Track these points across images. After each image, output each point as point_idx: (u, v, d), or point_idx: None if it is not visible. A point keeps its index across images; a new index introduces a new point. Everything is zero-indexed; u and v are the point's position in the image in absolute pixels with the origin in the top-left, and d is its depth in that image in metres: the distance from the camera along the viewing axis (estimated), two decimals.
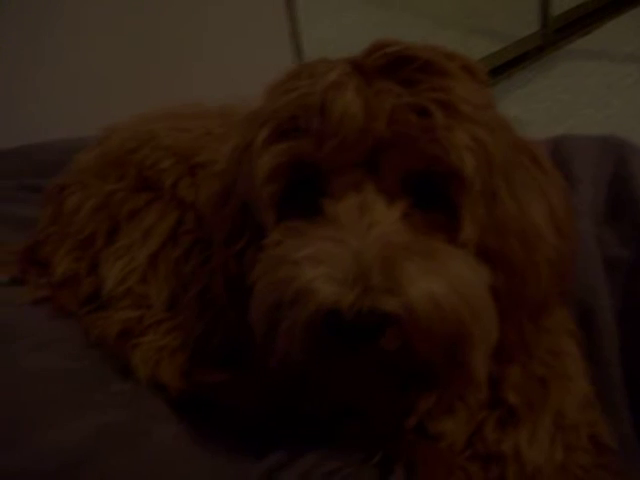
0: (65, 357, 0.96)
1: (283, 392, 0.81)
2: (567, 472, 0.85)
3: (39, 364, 0.93)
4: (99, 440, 0.84)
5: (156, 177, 1.03)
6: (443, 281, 0.66)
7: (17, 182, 1.35)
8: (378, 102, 0.70)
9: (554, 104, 2.58)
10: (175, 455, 0.84)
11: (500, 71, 2.77)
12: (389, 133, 0.70)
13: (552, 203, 0.78)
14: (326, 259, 0.65)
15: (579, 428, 0.87)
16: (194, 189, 1.00)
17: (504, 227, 0.74)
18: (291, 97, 0.73)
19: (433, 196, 0.73)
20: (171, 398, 0.92)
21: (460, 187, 0.71)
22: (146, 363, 0.93)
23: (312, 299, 0.64)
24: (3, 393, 0.88)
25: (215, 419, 0.88)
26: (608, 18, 3.12)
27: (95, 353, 0.98)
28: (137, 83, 1.89)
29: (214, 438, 0.87)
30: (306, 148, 0.72)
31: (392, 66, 0.72)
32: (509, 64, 2.83)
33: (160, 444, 0.85)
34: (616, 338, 1.00)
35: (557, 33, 3.02)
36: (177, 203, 1.00)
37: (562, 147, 1.26)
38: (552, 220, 0.78)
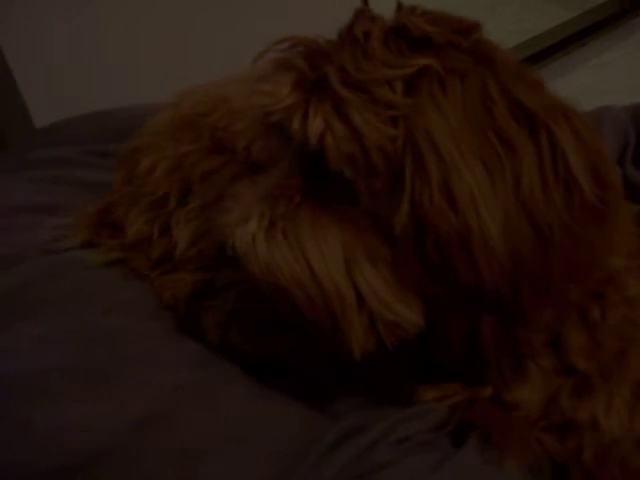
0: (138, 318, 0.96)
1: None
2: None
3: (114, 324, 0.94)
4: (175, 398, 0.84)
5: (230, 139, 1.03)
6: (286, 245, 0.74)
7: (86, 148, 1.36)
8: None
9: (630, 74, 2.51)
10: (249, 416, 0.84)
11: (575, 39, 2.69)
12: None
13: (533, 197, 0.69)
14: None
15: None
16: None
17: (424, 209, 0.69)
18: None
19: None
20: (241, 361, 0.92)
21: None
22: (217, 326, 0.93)
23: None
24: (81, 348, 0.89)
25: (286, 382, 0.88)
26: None
27: (167, 315, 0.98)
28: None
29: (286, 402, 0.86)
30: None
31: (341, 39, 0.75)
32: (584, 32, 2.75)
33: (235, 404, 0.85)
34: None
35: (635, 0, 2.92)
36: (250, 165, 0.99)
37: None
38: (524, 209, 0.69)
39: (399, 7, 0.78)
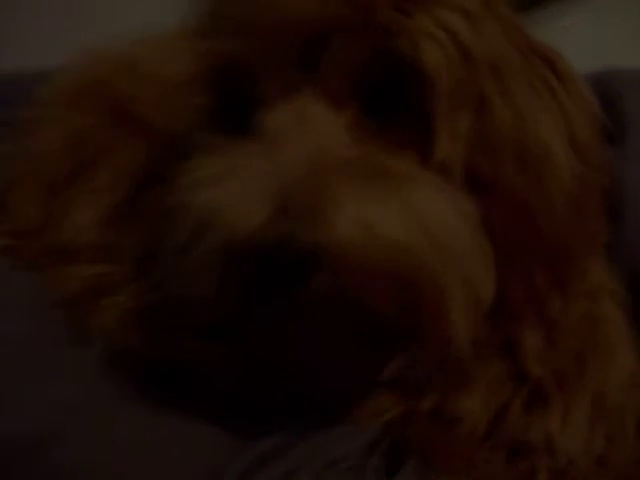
0: (25, 320, 0.85)
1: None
2: (608, 467, 0.73)
3: None
4: (60, 420, 0.73)
5: (137, 111, 0.92)
6: (389, 210, 0.55)
7: None
8: None
9: (593, 40, 2.43)
10: (148, 440, 0.73)
11: (536, 1, 2.62)
12: (325, 18, 0.58)
13: (572, 121, 0.67)
14: (240, 177, 0.56)
15: (624, 413, 0.75)
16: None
17: (497, 143, 0.62)
18: None
19: (400, 103, 0.61)
20: (142, 367, 0.80)
21: (427, 89, 0.60)
22: (115, 326, 0.82)
23: (217, 227, 0.55)
24: None
25: (195, 397, 0.77)
26: None
27: (58, 314, 0.86)
28: None
29: (193, 420, 0.75)
30: (232, 45, 0.61)
31: None
32: None
33: (133, 426, 0.74)
34: None
35: None
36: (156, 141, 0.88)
37: (607, 83, 1.15)
38: (571, 142, 0.66)
39: None
